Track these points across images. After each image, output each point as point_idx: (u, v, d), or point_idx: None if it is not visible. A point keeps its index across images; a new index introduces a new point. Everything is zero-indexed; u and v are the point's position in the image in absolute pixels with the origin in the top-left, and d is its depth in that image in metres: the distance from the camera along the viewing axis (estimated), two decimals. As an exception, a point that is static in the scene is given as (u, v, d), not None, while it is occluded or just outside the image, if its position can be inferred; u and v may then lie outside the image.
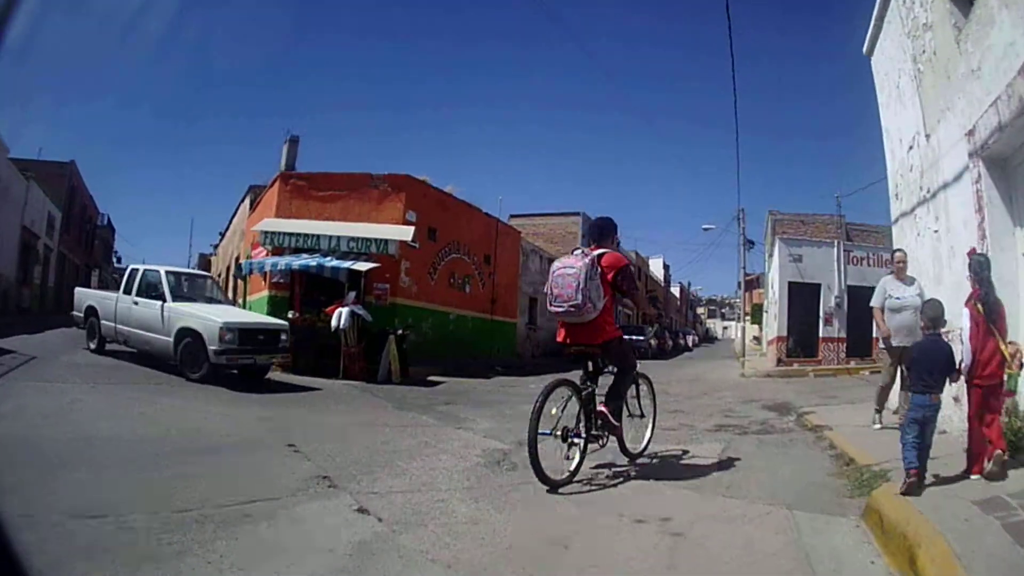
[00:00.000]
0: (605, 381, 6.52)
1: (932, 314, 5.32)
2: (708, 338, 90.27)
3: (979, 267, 5.48)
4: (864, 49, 11.92)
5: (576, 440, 5.94)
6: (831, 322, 26.30)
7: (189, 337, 12.20)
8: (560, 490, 5.61)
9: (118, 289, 14.53)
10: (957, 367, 5.25)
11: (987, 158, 7.05)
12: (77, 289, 16.11)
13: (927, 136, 9.12)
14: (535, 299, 32.31)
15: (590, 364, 6.35)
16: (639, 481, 6.16)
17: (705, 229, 40.74)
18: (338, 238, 17.88)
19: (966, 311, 5.44)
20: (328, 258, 17.22)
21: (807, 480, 6.38)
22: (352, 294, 16.53)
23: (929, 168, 9.12)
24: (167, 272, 13.79)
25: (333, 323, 15.37)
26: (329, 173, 20.60)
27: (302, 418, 9.65)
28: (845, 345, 26.16)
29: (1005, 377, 5.22)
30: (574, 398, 6.02)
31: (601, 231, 6.58)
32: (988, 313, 5.24)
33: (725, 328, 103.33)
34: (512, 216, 39.01)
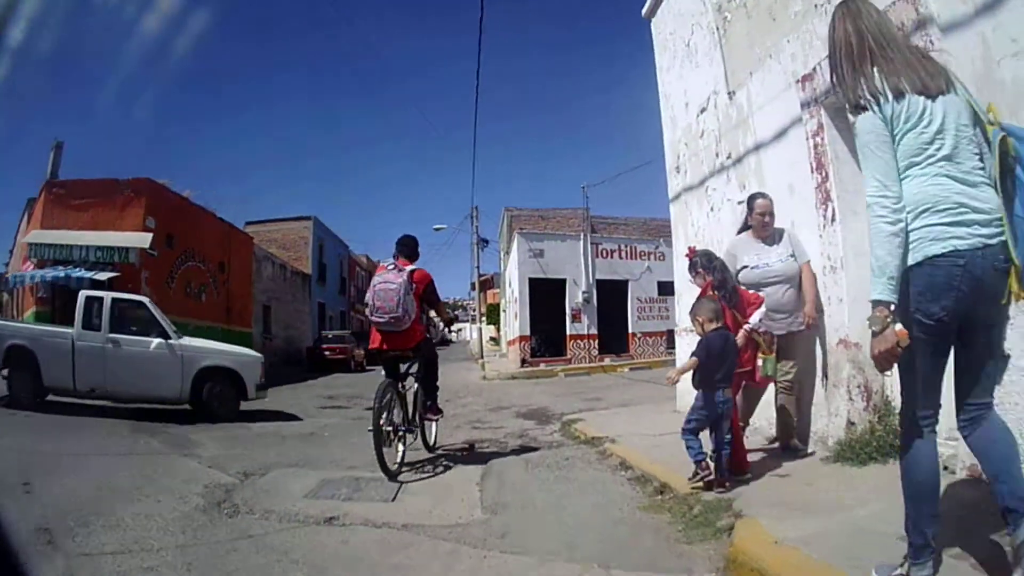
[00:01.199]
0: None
1: (714, 308, 5.04)
2: (442, 341, 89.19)
3: (706, 260, 5.48)
4: (644, 11, 10.51)
5: (402, 433, 6.66)
6: (579, 318, 25.35)
7: (214, 378, 11.03)
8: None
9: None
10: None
11: (831, 106, 5.66)
12: None
13: (731, 94, 7.83)
14: (269, 307, 31.27)
15: (401, 366, 7.00)
16: (381, 532, 4.60)
17: (436, 229, 39.45)
18: (86, 247, 17.29)
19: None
20: (77, 269, 16.49)
21: (612, 518, 4.71)
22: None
23: (732, 129, 7.78)
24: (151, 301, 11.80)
25: None
26: (85, 180, 19.61)
27: (34, 446, 7.81)
28: (597, 342, 25.37)
29: (760, 363, 5.26)
30: (396, 397, 6.69)
31: (411, 248, 7.21)
32: (728, 299, 5.19)
33: (459, 330, 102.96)
34: (248, 223, 36.65)
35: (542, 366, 23.37)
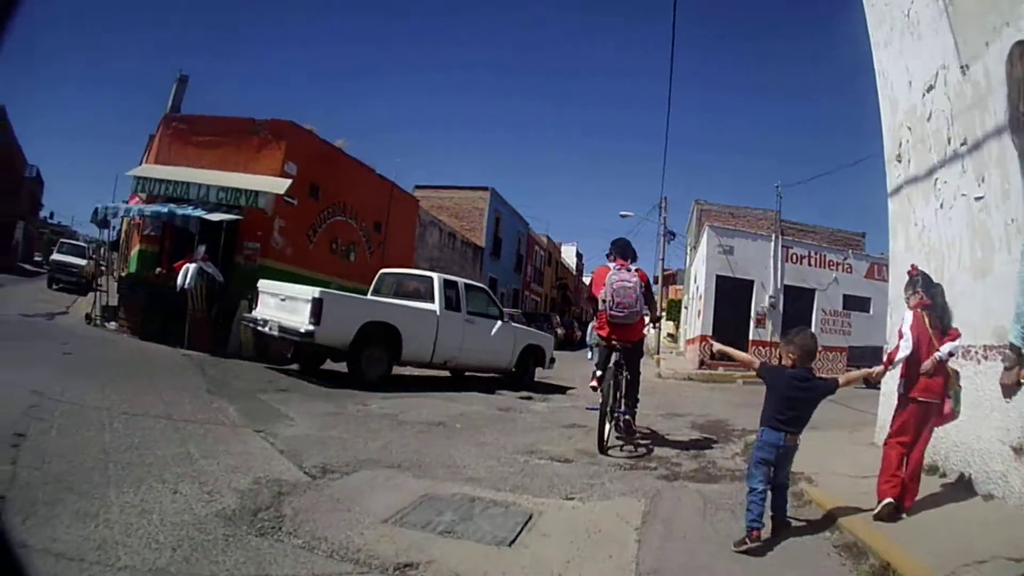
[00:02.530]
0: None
1: (808, 346, 4.72)
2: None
3: (927, 281, 5.34)
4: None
5: (617, 416, 7.82)
6: (764, 323, 23.80)
7: (530, 353, 14.13)
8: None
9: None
10: (888, 357, 5.10)
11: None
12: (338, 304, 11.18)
13: (963, 68, 6.57)
14: None
15: (616, 355, 7.76)
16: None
17: (623, 216, 38.38)
18: (208, 187, 15.68)
19: (909, 312, 5.14)
20: (186, 207, 15.08)
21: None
22: (202, 248, 14.21)
23: (967, 110, 6.51)
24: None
25: (179, 281, 13.36)
26: (212, 116, 18.46)
27: (80, 393, 6.98)
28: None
29: (950, 394, 4.97)
30: (614, 383, 7.60)
31: (631, 250, 8.01)
32: (938, 324, 5.03)
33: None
34: (417, 187, 36.80)
35: (720, 370, 21.93)
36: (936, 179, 7.09)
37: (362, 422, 7.72)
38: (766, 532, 4.40)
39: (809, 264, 24.29)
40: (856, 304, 25.36)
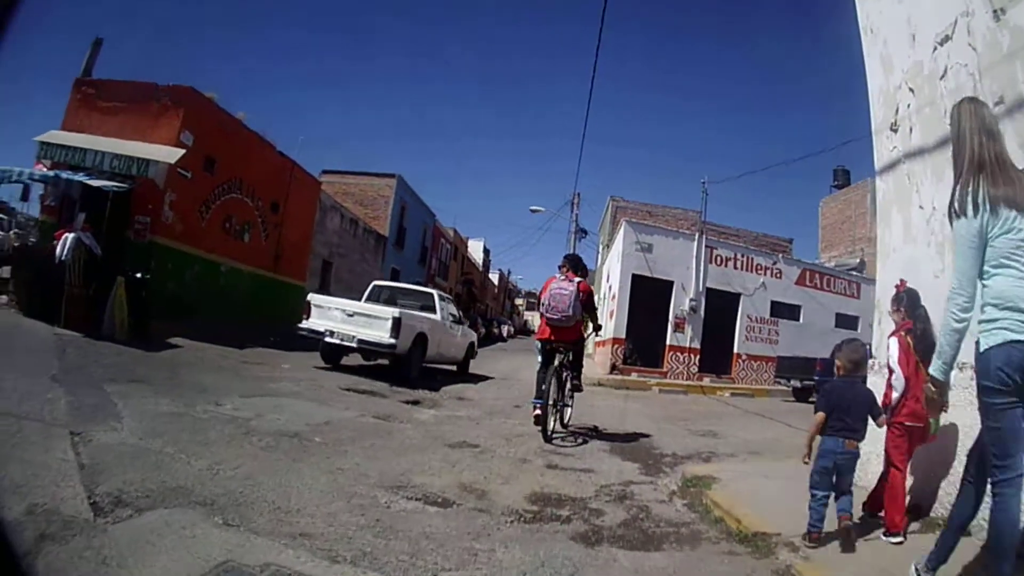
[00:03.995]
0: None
1: (855, 357, 4.79)
2: (526, 330, 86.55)
3: (913, 301, 5.16)
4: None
5: (560, 407, 8.81)
6: (683, 328, 22.18)
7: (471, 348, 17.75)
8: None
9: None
10: (884, 399, 4.91)
11: None
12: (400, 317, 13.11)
13: (998, 12, 5.17)
14: (330, 263, 28.24)
15: (556, 356, 8.62)
16: None
17: (533, 211, 36.29)
18: (103, 154, 14.72)
19: (894, 340, 5.02)
20: (79, 174, 14.25)
21: None
22: (81, 216, 13.17)
23: (1002, 62, 5.09)
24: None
25: (57, 252, 12.14)
26: (120, 81, 17.37)
27: None
28: (698, 358, 22.23)
29: (931, 421, 4.71)
30: (556, 380, 8.49)
31: (579, 264, 9.19)
32: (920, 348, 4.76)
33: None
34: (324, 171, 35.39)
35: (634, 376, 20.36)
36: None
37: (200, 429, 5.99)
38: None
39: (735, 267, 22.94)
40: (785, 312, 24.32)
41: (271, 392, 8.79)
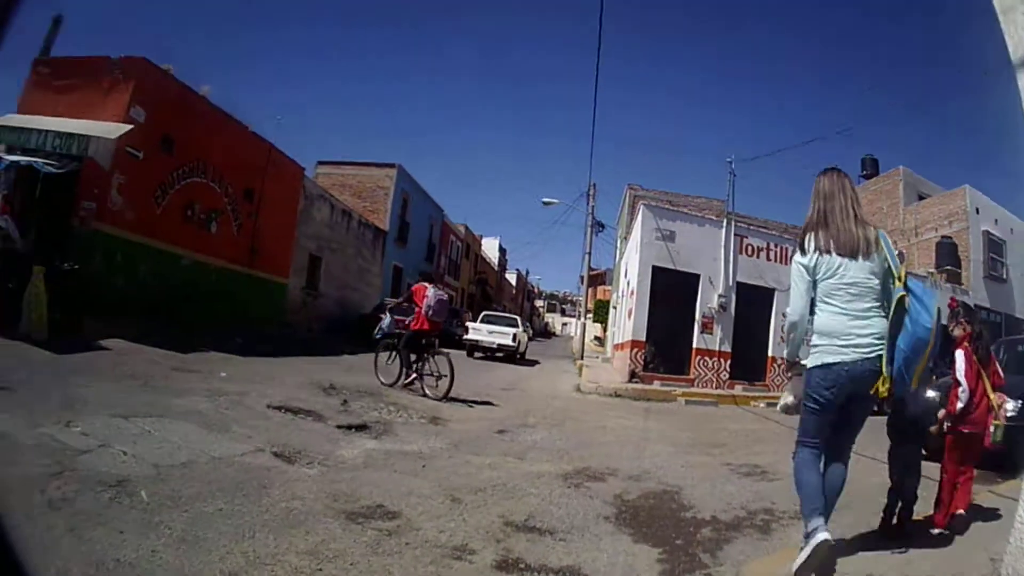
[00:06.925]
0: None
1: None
2: (545, 332, 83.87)
3: (969, 314, 5.55)
4: None
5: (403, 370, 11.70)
6: (711, 328, 19.08)
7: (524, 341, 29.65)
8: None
9: None
10: (949, 408, 5.21)
11: None
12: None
13: None
14: (319, 258, 26.13)
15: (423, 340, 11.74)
16: None
17: (545, 203, 33.76)
18: (46, 134, 13.97)
19: (959, 353, 5.31)
20: (13, 155, 13.46)
21: None
22: None
23: None
24: None
25: None
26: (74, 58, 16.43)
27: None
28: (729, 362, 19.18)
29: (991, 428, 5.24)
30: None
31: (430, 278, 14.21)
32: (981, 359, 5.27)
33: (565, 324, 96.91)
34: (320, 162, 34.48)
35: (656, 384, 17.42)
36: None
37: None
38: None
39: (768, 258, 19.92)
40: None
41: (164, 411, 6.89)
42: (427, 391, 11.20)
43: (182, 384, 8.88)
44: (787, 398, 4.60)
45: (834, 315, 3.97)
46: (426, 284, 12.07)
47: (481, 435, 8.27)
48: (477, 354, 24.44)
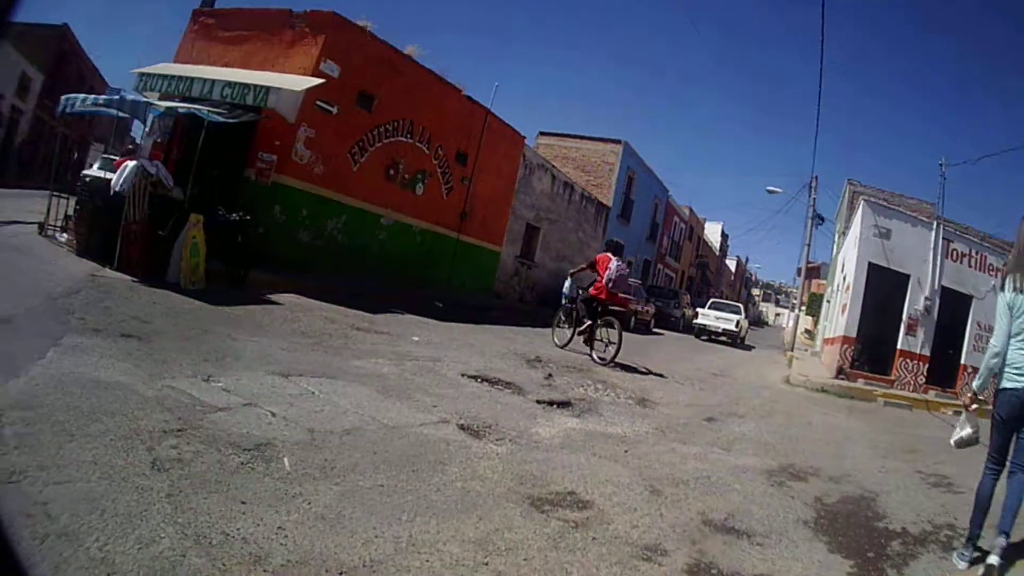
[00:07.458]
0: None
1: None
2: (759, 321, 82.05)
3: None
4: None
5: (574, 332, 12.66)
6: (915, 331, 18.27)
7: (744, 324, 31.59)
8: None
9: None
10: None
11: None
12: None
13: None
14: (537, 228, 25.82)
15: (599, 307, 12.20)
16: None
17: (769, 192, 33.35)
18: (212, 83, 13.26)
19: None
20: (174, 103, 12.74)
21: None
22: (149, 141, 12.06)
23: None
24: None
25: (112, 182, 10.43)
26: (246, 9, 16.45)
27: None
28: (927, 367, 18.27)
29: None
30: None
31: (618, 249, 13.43)
32: None
33: (777, 315, 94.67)
34: (541, 133, 34.19)
35: (860, 382, 16.95)
36: None
37: (110, 411, 4.21)
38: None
39: (969, 265, 18.79)
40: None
41: (338, 373, 6.68)
42: (595, 356, 11.87)
43: (364, 345, 8.70)
44: (963, 431, 4.93)
45: (1017, 350, 4.56)
46: (610, 255, 12.26)
47: (690, 422, 8.25)
48: (703, 336, 28.32)
